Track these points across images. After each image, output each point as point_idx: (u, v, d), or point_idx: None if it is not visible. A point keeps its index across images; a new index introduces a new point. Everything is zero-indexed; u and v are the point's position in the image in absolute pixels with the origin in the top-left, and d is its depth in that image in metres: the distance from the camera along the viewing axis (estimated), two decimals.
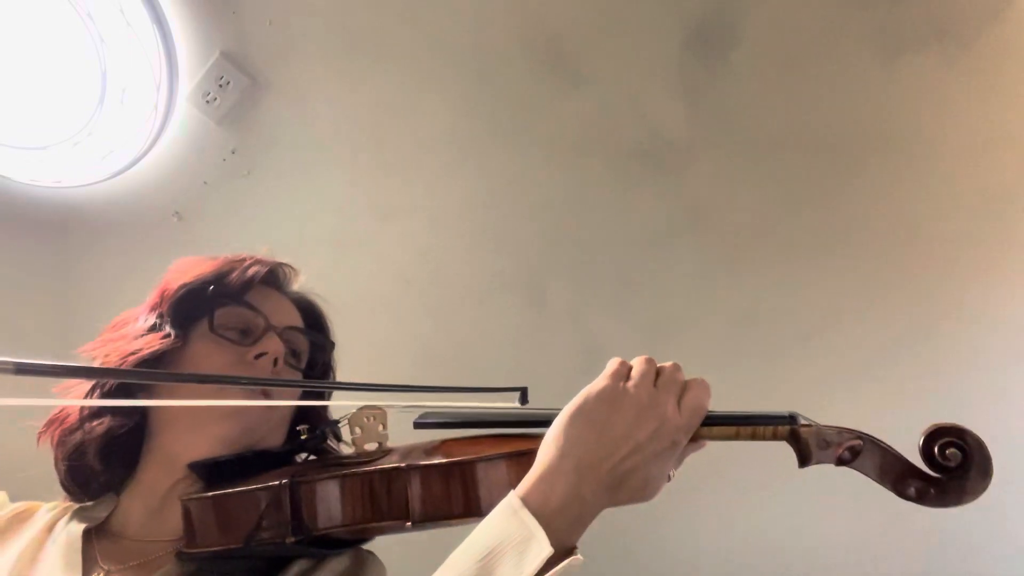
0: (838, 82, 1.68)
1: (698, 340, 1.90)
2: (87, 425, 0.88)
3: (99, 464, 0.88)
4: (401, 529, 0.75)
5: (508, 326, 1.88)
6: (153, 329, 0.90)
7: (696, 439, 0.74)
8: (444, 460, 0.72)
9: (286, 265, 1.02)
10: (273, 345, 0.91)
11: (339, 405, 0.94)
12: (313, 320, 1.04)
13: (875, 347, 1.88)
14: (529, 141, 1.74)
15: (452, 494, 0.71)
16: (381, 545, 0.88)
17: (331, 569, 0.81)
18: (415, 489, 0.72)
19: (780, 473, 1.84)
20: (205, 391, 0.87)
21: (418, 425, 0.86)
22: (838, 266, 1.84)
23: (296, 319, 1.00)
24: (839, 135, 1.73)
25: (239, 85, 1.62)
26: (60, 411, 0.91)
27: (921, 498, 0.71)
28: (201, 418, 0.86)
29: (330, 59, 1.65)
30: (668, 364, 0.75)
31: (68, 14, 1.49)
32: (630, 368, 0.74)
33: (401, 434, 0.87)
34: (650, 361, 0.74)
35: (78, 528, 0.86)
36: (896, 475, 0.72)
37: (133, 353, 0.87)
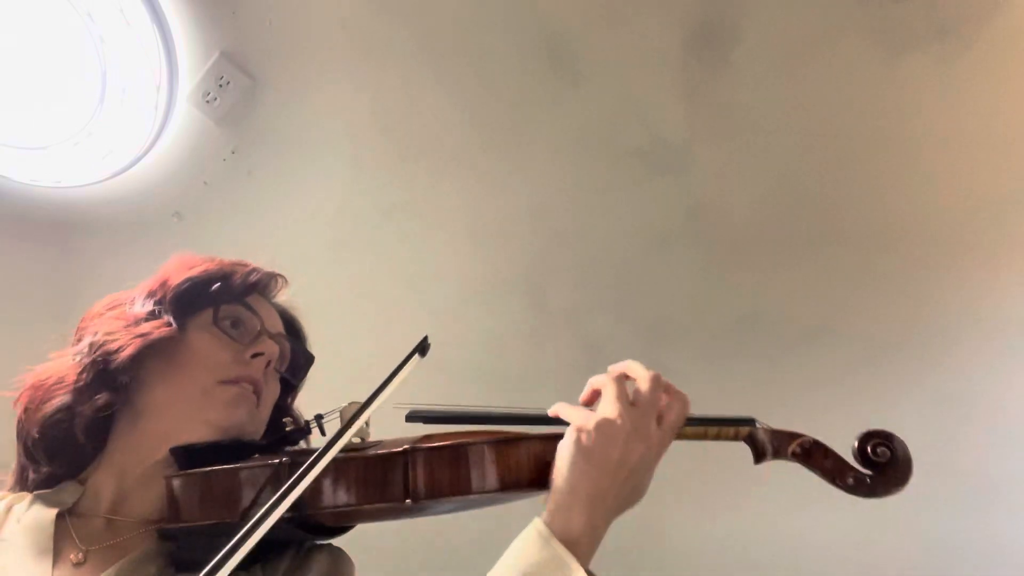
0: (838, 81, 1.68)
1: (698, 340, 1.90)
2: (83, 396, 0.89)
3: (84, 436, 0.89)
4: (398, 510, 0.80)
5: (508, 326, 1.88)
6: (152, 316, 0.93)
7: None
8: (444, 443, 0.78)
9: (280, 276, 1.05)
10: (269, 347, 0.95)
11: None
12: (294, 331, 1.07)
13: (875, 346, 1.88)
14: (529, 141, 1.73)
15: (450, 473, 0.77)
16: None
17: (317, 566, 0.86)
18: (416, 469, 0.77)
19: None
20: (199, 385, 0.90)
21: (410, 418, 0.90)
22: (838, 266, 1.84)
23: (282, 328, 1.04)
24: (839, 134, 1.73)
25: (239, 85, 1.62)
26: (46, 377, 0.92)
27: (856, 489, 0.85)
28: (199, 404, 0.89)
29: (330, 59, 1.65)
30: (645, 385, 0.82)
31: (68, 14, 1.50)
32: (598, 396, 0.83)
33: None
34: (619, 383, 0.82)
35: (48, 512, 0.86)
36: (837, 471, 0.86)
37: (141, 336, 0.89)
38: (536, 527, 0.75)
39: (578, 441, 0.78)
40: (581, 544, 0.74)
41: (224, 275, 0.96)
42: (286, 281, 1.06)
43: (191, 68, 1.60)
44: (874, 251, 1.83)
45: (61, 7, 1.49)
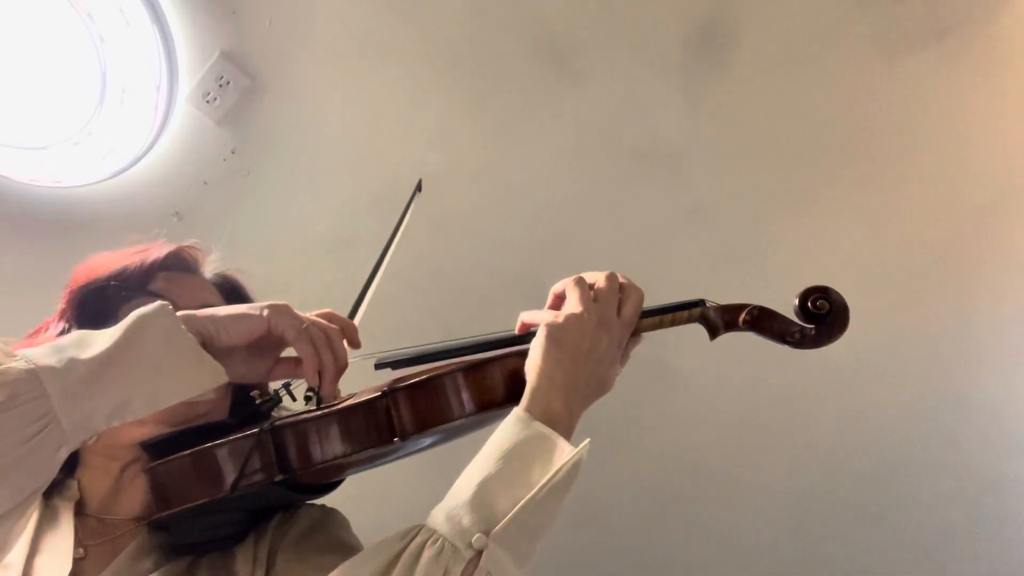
0: (838, 82, 1.68)
1: (697, 340, 1.90)
2: None
3: None
4: (386, 452, 0.82)
5: (508, 326, 1.88)
6: (62, 334, 0.88)
7: (635, 334, 0.92)
8: (419, 378, 0.81)
9: (188, 247, 1.01)
10: None
11: None
12: (233, 292, 1.03)
13: (875, 348, 1.88)
14: (529, 141, 1.74)
15: (432, 405, 0.80)
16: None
17: (307, 517, 0.88)
18: (399, 408, 0.80)
19: None
20: None
21: (380, 366, 0.92)
22: (838, 266, 1.84)
23: (213, 298, 0.99)
24: (839, 135, 1.73)
25: (239, 85, 1.62)
26: None
27: (803, 342, 0.92)
28: None
29: (330, 59, 1.65)
30: (603, 282, 0.89)
31: (68, 14, 1.50)
32: (561, 301, 0.88)
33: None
34: (581, 283, 0.88)
35: (67, 503, 0.88)
36: (784, 330, 0.93)
37: None
38: (515, 413, 0.77)
39: (550, 335, 0.82)
40: (560, 426, 0.76)
41: (119, 271, 0.92)
42: (200, 250, 1.02)
43: (191, 68, 1.60)
44: (873, 251, 1.83)
45: (61, 7, 1.49)
